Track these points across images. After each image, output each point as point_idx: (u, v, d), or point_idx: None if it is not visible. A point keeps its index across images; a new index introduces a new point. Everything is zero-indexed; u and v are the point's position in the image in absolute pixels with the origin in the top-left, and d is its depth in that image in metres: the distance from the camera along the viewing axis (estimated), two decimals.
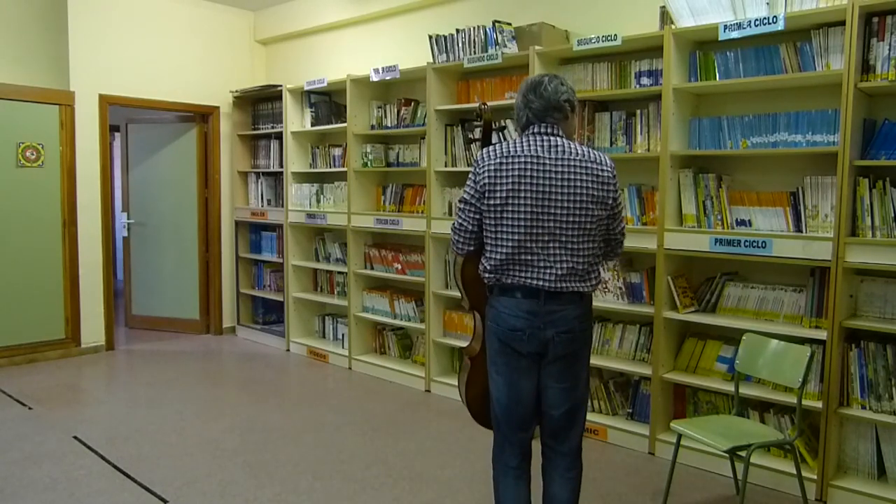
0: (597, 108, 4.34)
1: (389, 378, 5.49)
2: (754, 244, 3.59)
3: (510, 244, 2.43)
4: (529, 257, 2.43)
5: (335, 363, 5.99)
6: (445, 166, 5.11)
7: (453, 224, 2.57)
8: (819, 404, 3.40)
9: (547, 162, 2.43)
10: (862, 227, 3.32)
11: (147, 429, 4.38)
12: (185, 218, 7.07)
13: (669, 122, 3.85)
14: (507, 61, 4.61)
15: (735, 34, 3.61)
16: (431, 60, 5.07)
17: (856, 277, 3.44)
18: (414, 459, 3.93)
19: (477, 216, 2.50)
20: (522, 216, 2.41)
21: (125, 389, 5.30)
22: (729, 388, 3.58)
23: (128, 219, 7.27)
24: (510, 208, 2.42)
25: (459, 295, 3.07)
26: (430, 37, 5.05)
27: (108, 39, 6.21)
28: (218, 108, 6.94)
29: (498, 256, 2.46)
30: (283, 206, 6.44)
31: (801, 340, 3.33)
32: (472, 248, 2.57)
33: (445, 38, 4.98)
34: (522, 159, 2.43)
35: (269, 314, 7.09)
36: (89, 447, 4.05)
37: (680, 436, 3.15)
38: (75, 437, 4.20)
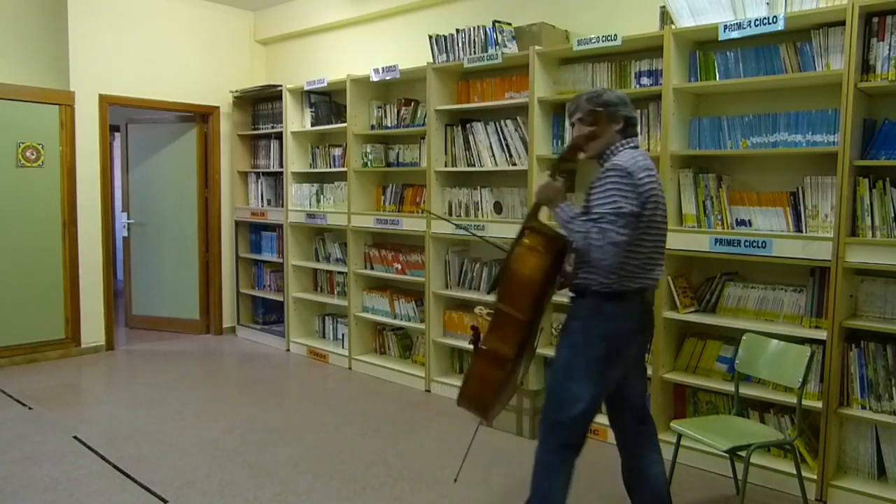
0: None
1: (389, 378, 5.48)
2: (754, 244, 3.58)
3: (644, 253, 2.54)
4: (649, 263, 2.57)
5: (335, 363, 5.98)
6: (445, 166, 5.10)
7: (613, 239, 2.39)
8: (819, 404, 3.39)
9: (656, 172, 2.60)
10: (862, 227, 3.32)
11: (147, 429, 4.37)
12: (185, 218, 7.06)
13: (669, 122, 3.85)
14: (507, 61, 4.61)
15: (735, 34, 3.60)
16: (431, 60, 5.06)
17: (856, 277, 3.43)
18: (414, 459, 3.92)
19: (635, 228, 2.47)
20: (657, 224, 2.55)
21: (125, 389, 5.29)
22: (729, 388, 3.57)
23: (128, 219, 7.26)
24: (656, 217, 2.54)
25: (517, 307, 2.67)
26: (430, 37, 5.05)
27: (108, 39, 6.20)
28: (218, 108, 6.93)
29: (634, 262, 2.53)
30: (283, 206, 6.43)
31: (801, 340, 3.33)
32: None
33: (445, 38, 4.97)
34: (653, 170, 2.55)
35: (269, 314, 7.08)
36: (89, 447, 4.05)
37: (680, 436, 3.15)
38: (75, 437, 4.19)
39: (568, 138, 4.38)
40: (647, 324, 2.71)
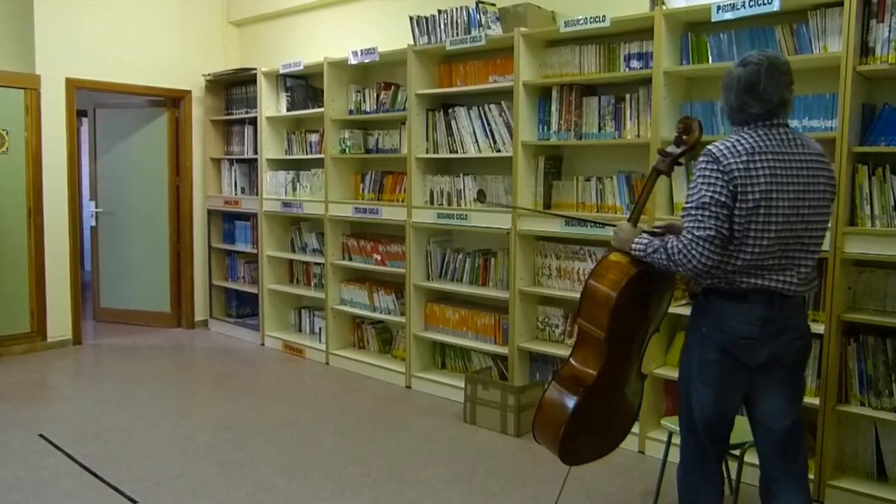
0: (584, 92, 4.23)
1: (368, 373, 5.39)
2: None
3: (756, 250, 2.25)
4: (771, 262, 2.28)
5: (312, 358, 5.88)
6: (427, 153, 4.99)
7: (694, 235, 2.22)
8: (816, 401, 3.32)
9: (794, 159, 2.28)
10: (861, 215, 3.24)
11: (116, 427, 4.29)
12: (155, 207, 6.92)
13: (660, 106, 3.76)
14: (490, 43, 4.50)
15: (729, 15, 3.52)
16: (412, 42, 4.93)
17: (854, 269, 3.36)
18: (394, 458, 3.85)
19: (729, 220, 2.23)
20: (775, 220, 2.24)
21: (93, 385, 5.21)
22: None
23: (96, 207, 7.11)
24: (762, 212, 2.22)
25: (594, 323, 2.62)
26: (411, 18, 4.92)
27: (75, 21, 6.04)
28: (190, 92, 6.78)
29: (737, 263, 2.27)
30: (257, 195, 6.31)
31: None
32: (717, 262, 2.26)
33: (427, 19, 4.85)
34: (771, 156, 2.25)
35: (243, 307, 6.95)
36: (56, 446, 3.98)
37: (671, 433, 3.07)
38: (41, 436, 4.11)
39: (555, 123, 4.29)
40: (775, 333, 2.34)
